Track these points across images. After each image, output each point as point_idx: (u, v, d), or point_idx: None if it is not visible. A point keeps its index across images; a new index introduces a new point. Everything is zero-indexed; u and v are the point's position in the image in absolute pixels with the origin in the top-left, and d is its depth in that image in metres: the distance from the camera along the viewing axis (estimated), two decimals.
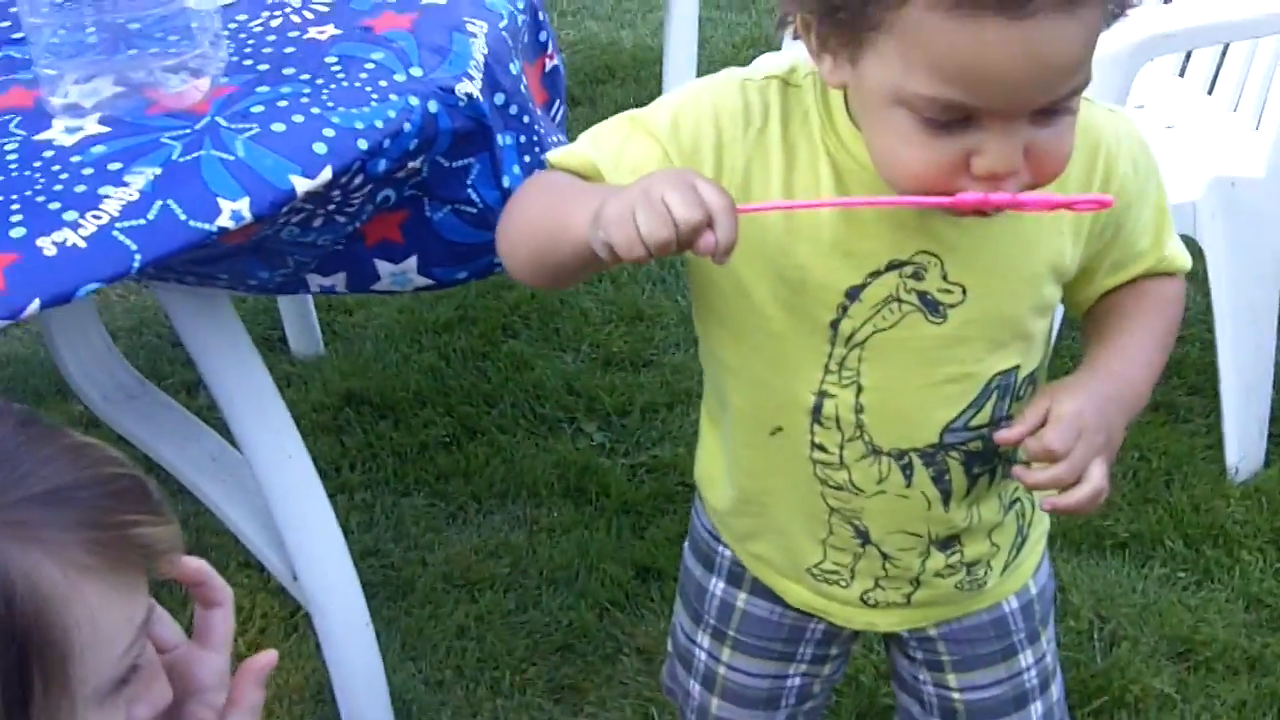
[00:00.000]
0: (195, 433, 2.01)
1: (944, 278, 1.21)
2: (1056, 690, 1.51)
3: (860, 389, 1.25)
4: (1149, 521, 2.36)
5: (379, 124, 1.51)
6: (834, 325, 1.23)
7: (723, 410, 1.37)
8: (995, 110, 1.05)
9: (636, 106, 1.25)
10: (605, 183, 1.20)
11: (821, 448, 1.30)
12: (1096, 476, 1.19)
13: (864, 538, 1.35)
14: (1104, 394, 1.23)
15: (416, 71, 1.58)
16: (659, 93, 3.52)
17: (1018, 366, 1.27)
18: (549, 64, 1.84)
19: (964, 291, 1.22)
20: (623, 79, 3.89)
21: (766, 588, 1.46)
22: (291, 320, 2.87)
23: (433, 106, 1.55)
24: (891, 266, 1.21)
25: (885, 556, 1.36)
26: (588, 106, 3.76)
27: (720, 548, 1.48)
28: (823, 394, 1.26)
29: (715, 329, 1.31)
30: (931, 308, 1.22)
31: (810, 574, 1.40)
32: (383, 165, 1.53)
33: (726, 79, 1.23)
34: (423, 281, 1.73)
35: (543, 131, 1.72)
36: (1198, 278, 2.64)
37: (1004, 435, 1.23)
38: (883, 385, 1.25)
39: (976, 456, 1.30)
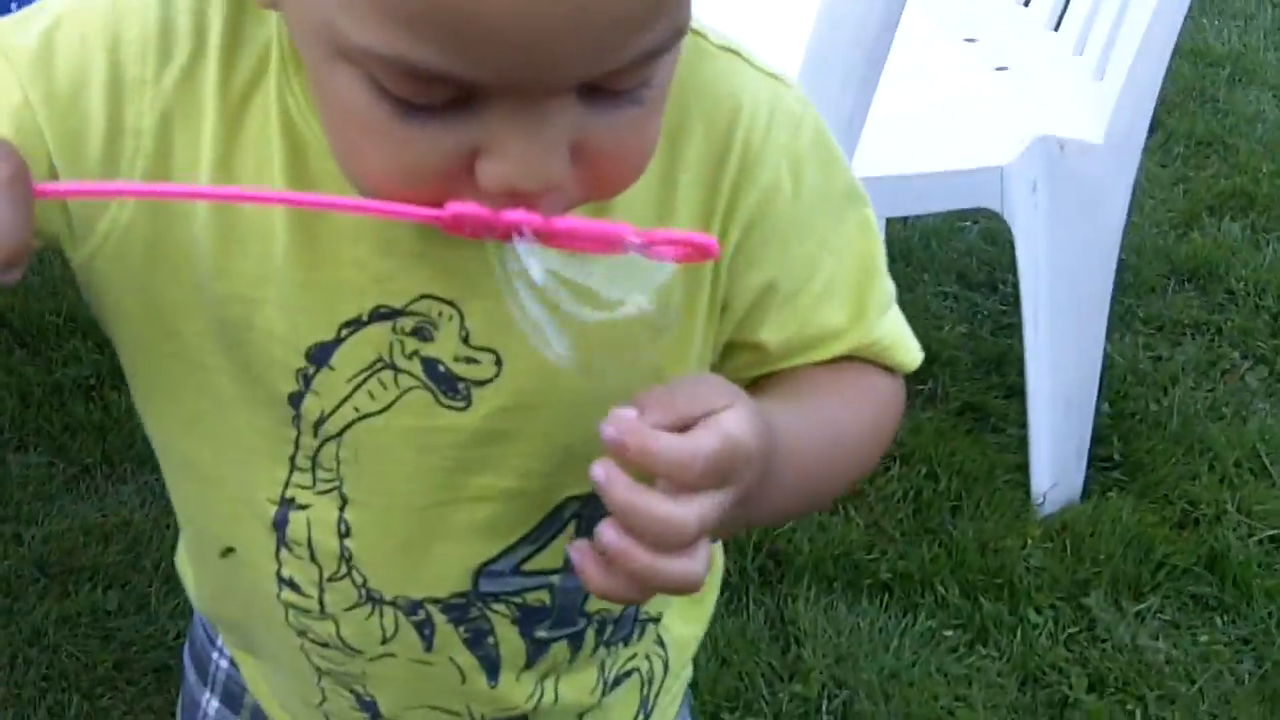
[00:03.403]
0: None
1: (465, 340, 0.75)
2: None
3: (345, 501, 0.80)
4: (921, 559, 1.90)
5: None
6: (294, 402, 0.77)
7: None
8: (505, 85, 0.61)
9: None
10: None
11: (293, 585, 0.85)
12: (702, 557, 0.68)
13: (371, 711, 0.91)
14: (776, 446, 0.71)
15: None
16: None
17: None
18: None
19: (498, 362, 0.76)
20: None
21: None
22: None
23: None
24: (379, 316, 0.75)
25: None
26: None
27: (214, 654, 1.03)
28: (288, 502, 0.81)
29: (140, 382, 0.83)
30: (447, 386, 0.76)
31: None
32: None
33: None
34: None
35: None
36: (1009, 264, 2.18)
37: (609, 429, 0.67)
38: (376, 500, 0.80)
39: (539, 614, 0.86)
